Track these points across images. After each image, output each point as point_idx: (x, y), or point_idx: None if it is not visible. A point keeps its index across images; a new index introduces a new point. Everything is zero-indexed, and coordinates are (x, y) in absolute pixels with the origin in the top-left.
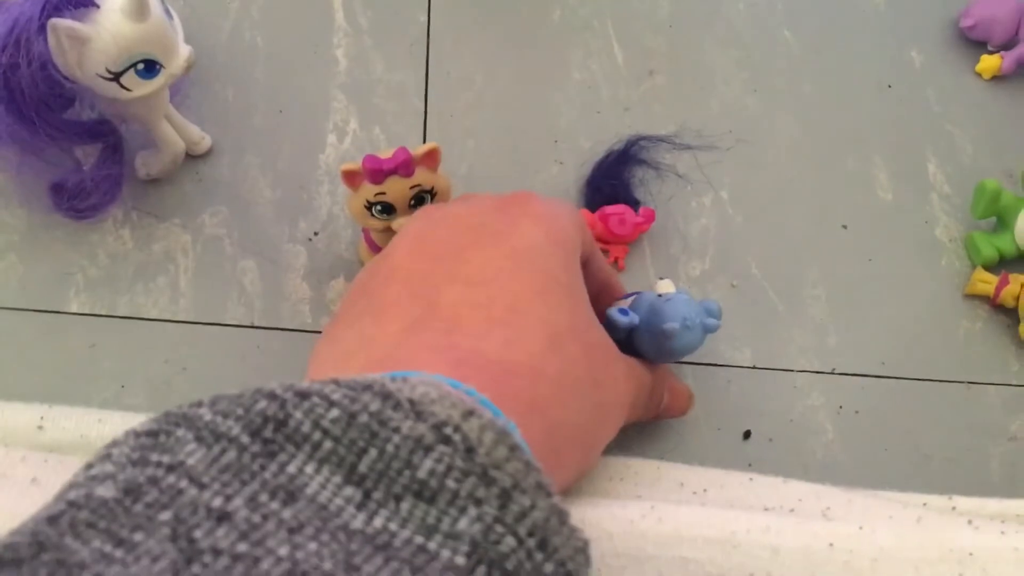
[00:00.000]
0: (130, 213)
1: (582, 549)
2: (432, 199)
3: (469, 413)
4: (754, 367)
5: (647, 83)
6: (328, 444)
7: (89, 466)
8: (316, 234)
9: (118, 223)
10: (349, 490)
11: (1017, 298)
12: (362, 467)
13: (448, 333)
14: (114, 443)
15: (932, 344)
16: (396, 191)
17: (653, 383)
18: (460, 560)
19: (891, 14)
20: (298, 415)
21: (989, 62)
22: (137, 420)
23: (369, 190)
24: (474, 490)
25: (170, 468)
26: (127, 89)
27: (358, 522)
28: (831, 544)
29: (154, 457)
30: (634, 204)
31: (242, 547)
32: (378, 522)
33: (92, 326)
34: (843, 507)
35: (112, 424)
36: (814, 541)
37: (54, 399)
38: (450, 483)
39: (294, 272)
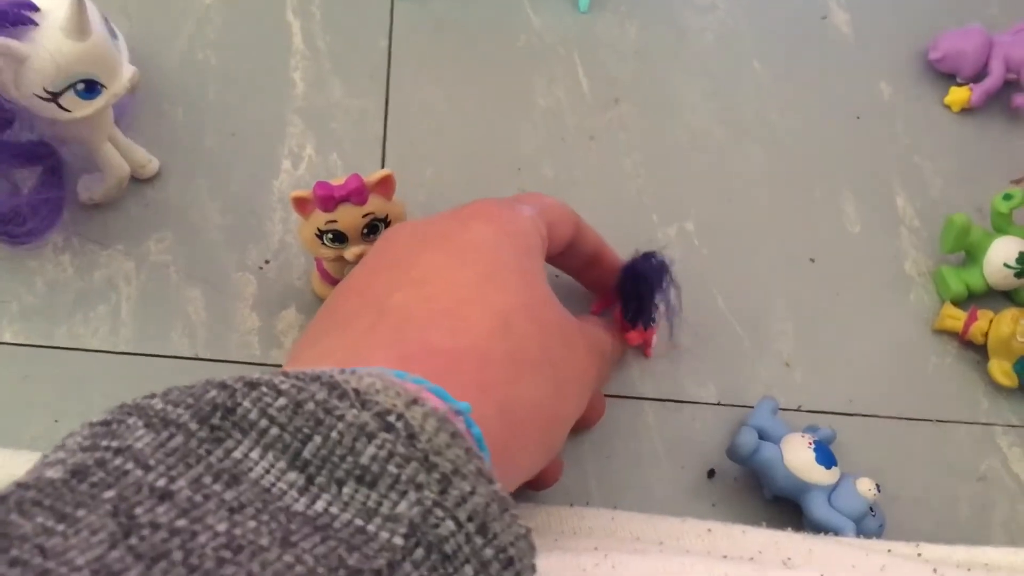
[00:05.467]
0: (71, 239)
1: (524, 536)
2: (386, 227)
3: (412, 402)
4: (719, 403)
5: (613, 111)
6: (274, 431)
7: (44, 456)
8: (267, 262)
9: (58, 249)
10: (292, 475)
11: (986, 334)
12: (306, 453)
13: (397, 330)
14: (70, 434)
15: (900, 381)
16: (348, 219)
17: (613, 345)
18: (398, 541)
19: (860, 45)
20: (246, 403)
21: (958, 94)
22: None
23: (320, 218)
24: (415, 475)
25: (117, 451)
26: (67, 110)
27: (299, 505)
28: None
29: (104, 443)
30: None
31: (181, 523)
32: (319, 505)
33: (26, 357)
34: (804, 556)
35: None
36: None
37: None
38: (391, 468)
39: (243, 302)
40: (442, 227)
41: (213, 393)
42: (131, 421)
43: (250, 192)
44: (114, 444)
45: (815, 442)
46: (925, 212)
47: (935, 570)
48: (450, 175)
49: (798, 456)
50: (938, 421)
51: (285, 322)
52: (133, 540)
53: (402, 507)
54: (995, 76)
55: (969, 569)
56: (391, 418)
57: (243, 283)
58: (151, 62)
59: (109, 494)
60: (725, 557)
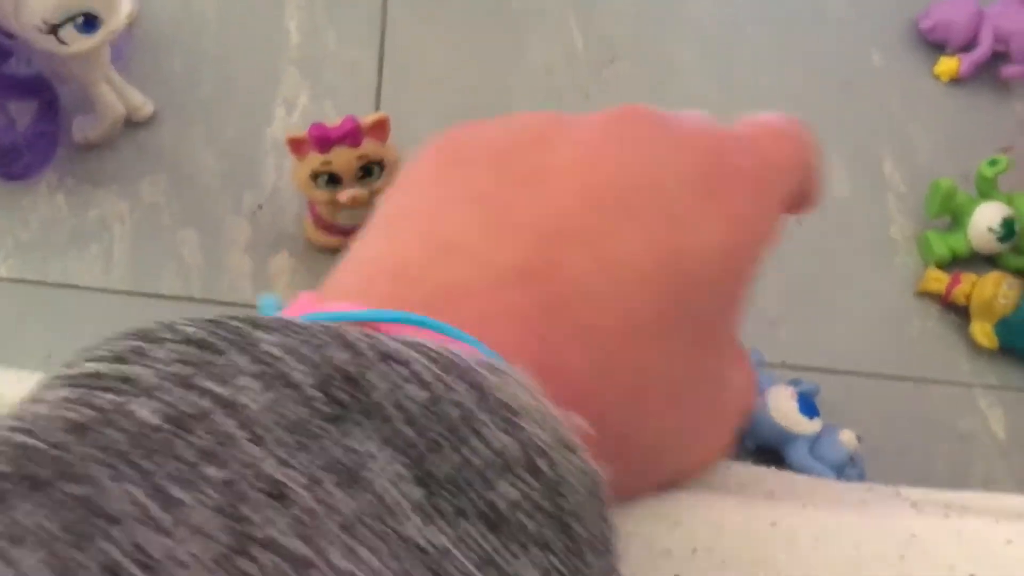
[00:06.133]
0: (65, 178)
1: None
2: (380, 171)
3: (563, 444)
4: None
5: (608, 71)
6: (403, 427)
7: (118, 358)
8: (260, 207)
9: (52, 188)
10: (413, 488)
11: (968, 297)
12: (433, 465)
13: (547, 314)
14: (148, 336)
15: (883, 341)
16: (343, 161)
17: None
18: None
19: (853, 13)
20: (374, 378)
21: (947, 64)
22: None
23: (315, 159)
24: (547, 535)
25: (224, 404)
26: (65, 44)
27: (417, 532)
28: (773, 523)
29: (204, 382)
30: None
31: (297, 547)
32: (439, 539)
33: (20, 292)
34: (786, 489)
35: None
36: (756, 519)
37: None
38: (522, 517)
39: (236, 245)
40: (670, 182)
41: (339, 354)
42: (238, 359)
43: (244, 138)
44: (218, 390)
45: (799, 393)
46: (912, 178)
47: (914, 504)
48: (442, 127)
49: (781, 406)
50: (920, 381)
51: (277, 266)
52: (244, 563)
53: (520, 565)
54: (984, 47)
55: (947, 505)
56: (540, 461)
57: (236, 227)
58: (148, 8)
59: (214, 472)
60: (710, 488)
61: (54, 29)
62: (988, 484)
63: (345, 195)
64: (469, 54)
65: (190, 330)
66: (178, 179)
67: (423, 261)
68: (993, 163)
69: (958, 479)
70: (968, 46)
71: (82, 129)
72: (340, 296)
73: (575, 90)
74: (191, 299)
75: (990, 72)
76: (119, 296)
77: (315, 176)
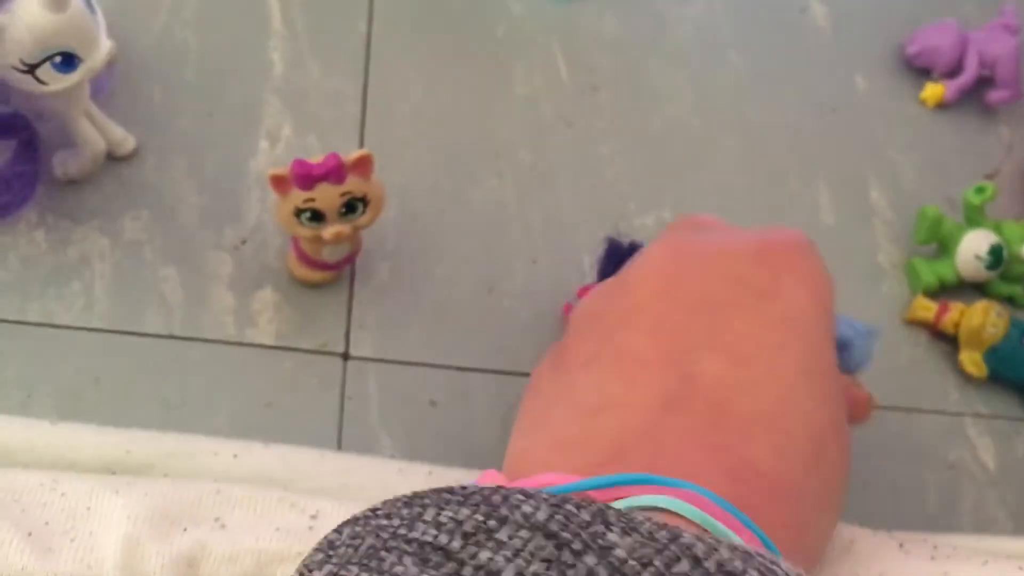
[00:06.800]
0: (45, 215)
1: None
2: (364, 207)
3: None
4: None
5: (591, 99)
6: None
7: (465, 534)
8: (244, 242)
9: (31, 225)
10: None
11: (957, 325)
12: None
13: (714, 425)
14: (491, 512)
15: (872, 370)
16: (326, 198)
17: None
18: None
19: (837, 39)
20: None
21: (933, 90)
22: (43, 427)
23: (298, 196)
24: None
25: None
26: (43, 83)
27: None
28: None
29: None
30: None
31: None
32: None
33: None
34: None
35: (12, 430)
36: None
37: None
38: None
39: (218, 281)
40: (748, 273)
41: (687, 568)
42: (592, 565)
43: (227, 171)
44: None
45: None
46: (898, 205)
47: (901, 545)
48: (428, 159)
49: None
50: (908, 410)
51: (260, 302)
52: None
53: None
54: (969, 72)
55: (935, 547)
56: None
57: (219, 262)
58: (128, 40)
59: None
60: None
61: (32, 69)
62: (978, 514)
63: (329, 232)
64: (453, 84)
65: (539, 516)
66: (160, 214)
67: (582, 431)
68: (979, 191)
69: (948, 510)
70: (953, 71)
71: (63, 165)
72: (542, 469)
73: (559, 120)
74: (173, 337)
75: (976, 97)
76: (100, 334)
77: (298, 213)
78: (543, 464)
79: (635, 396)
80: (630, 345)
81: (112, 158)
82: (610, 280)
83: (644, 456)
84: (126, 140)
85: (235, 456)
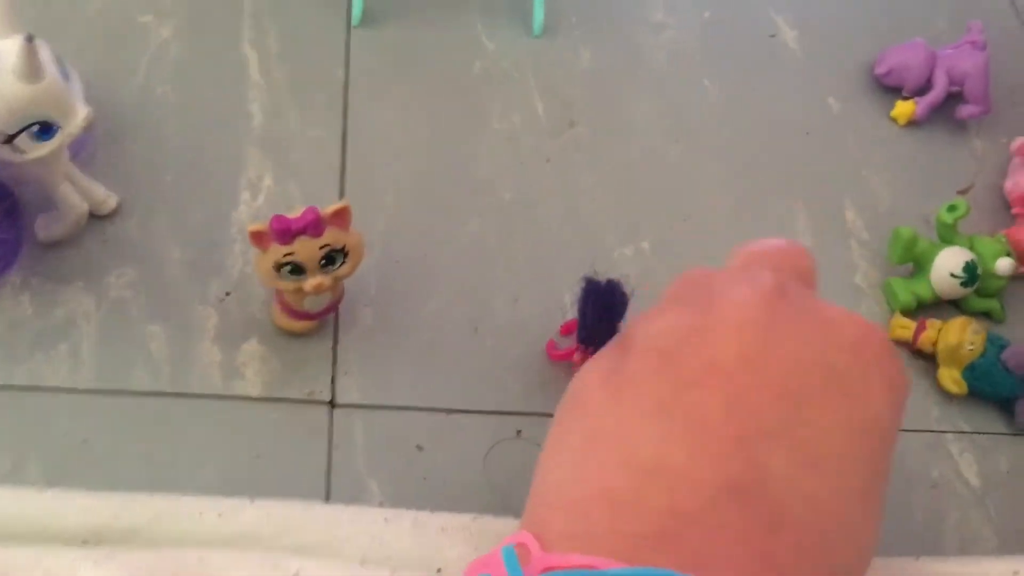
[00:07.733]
0: (30, 278)
1: None
2: (344, 258)
3: None
4: None
5: (568, 133)
6: None
7: None
8: (228, 294)
9: (17, 289)
10: None
11: (935, 343)
12: None
13: (770, 532)
14: None
15: None
16: (306, 251)
17: None
18: None
19: (807, 61)
20: None
21: (903, 108)
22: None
23: (278, 251)
24: None
25: None
26: (21, 152)
27: None
28: None
29: None
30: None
31: None
32: None
33: None
34: None
35: (2, 503)
36: None
37: None
38: None
39: (204, 335)
40: (841, 364)
41: None
42: None
43: (210, 225)
44: None
45: None
46: (874, 225)
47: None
48: (409, 201)
49: None
50: None
51: (246, 354)
52: None
53: None
54: (939, 89)
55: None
56: None
57: (204, 316)
58: (108, 98)
59: None
60: None
61: (9, 139)
62: (963, 531)
63: (309, 284)
64: (431, 124)
65: None
66: (144, 271)
67: (633, 489)
68: (951, 209)
69: (934, 528)
70: (923, 89)
71: (45, 228)
72: (560, 535)
73: (537, 155)
74: (161, 393)
75: (946, 113)
76: (88, 395)
77: (278, 267)
78: (584, 516)
79: (697, 471)
80: (703, 410)
81: (95, 217)
82: (686, 309)
83: (692, 543)
84: (108, 199)
85: (219, 515)
